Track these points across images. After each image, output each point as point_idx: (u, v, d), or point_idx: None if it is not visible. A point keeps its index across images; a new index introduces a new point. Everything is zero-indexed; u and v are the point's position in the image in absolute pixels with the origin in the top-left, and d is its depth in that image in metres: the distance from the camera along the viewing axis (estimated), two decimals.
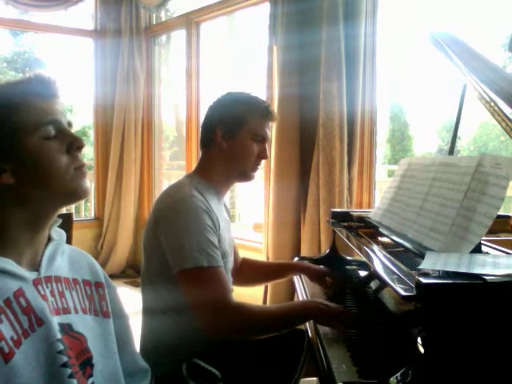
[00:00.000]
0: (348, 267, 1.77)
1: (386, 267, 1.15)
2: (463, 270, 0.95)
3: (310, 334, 1.38)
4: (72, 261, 0.98)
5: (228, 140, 1.50)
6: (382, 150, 11.76)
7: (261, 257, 3.17)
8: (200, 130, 1.61)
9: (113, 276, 4.27)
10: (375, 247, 1.37)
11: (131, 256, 4.65)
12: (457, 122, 1.76)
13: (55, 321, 0.85)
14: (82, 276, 0.98)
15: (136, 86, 4.46)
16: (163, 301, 1.44)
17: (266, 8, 3.19)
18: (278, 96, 2.97)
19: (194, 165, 1.63)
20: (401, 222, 1.45)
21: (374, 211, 1.73)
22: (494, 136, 11.58)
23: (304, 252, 2.85)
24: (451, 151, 1.74)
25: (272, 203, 3.04)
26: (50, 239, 0.93)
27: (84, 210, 6.56)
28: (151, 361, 1.13)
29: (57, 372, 0.81)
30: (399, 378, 0.90)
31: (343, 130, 2.70)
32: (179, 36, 5.01)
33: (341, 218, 1.90)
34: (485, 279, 0.91)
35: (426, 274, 0.96)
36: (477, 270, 0.95)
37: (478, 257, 1.06)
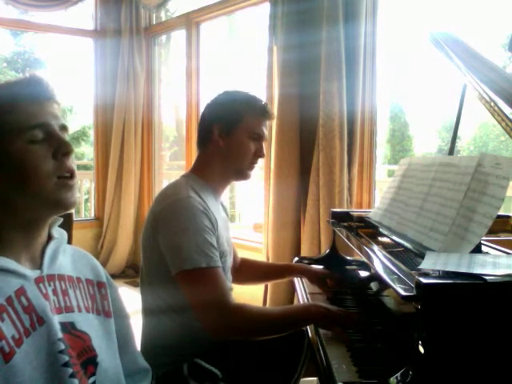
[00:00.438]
0: (348, 267, 1.78)
1: (385, 267, 1.15)
2: (463, 270, 0.95)
3: (310, 334, 1.38)
4: (74, 260, 0.98)
5: (225, 138, 1.51)
6: (382, 150, 11.77)
7: (261, 257, 3.17)
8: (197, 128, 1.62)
9: (113, 276, 4.22)
10: (375, 247, 1.37)
11: (131, 256, 4.65)
12: (457, 122, 1.76)
13: (56, 320, 0.85)
14: (84, 275, 0.98)
15: (136, 86, 4.46)
16: (163, 301, 1.44)
17: (265, 8, 3.19)
18: (277, 96, 2.97)
19: (192, 164, 1.63)
20: (401, 221, 1.45)
21: (374, 211, 1.73)
22: (494, 136, 11.59)
23: (304, 252, 2.85)
24: (451, 151, 1.74)
25: (272, 203, 3.04)
26: (51, 238, 0.92)
27: (84, 210, 6.56)
28: (152, 361, 1.13)
29: (58, 371, 0.81)
30: (399, 378, 0.90)
31: (343, 129, 2.70)
32: (179, 36, 5.01)
33: (341, 218, 1.90)
34: (485, 279, 0.91)
35: (426, 274, 0.96)
36: (477, 270, 0.95)
37: (478, 257, 1.06)
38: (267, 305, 3.04)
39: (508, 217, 1.70)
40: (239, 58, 9.35)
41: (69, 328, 0.87)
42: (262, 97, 3.04)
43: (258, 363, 1.42)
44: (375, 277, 1.37)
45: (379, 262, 1.22)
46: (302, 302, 1.70)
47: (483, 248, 1.23)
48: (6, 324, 0.77)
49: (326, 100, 2.71)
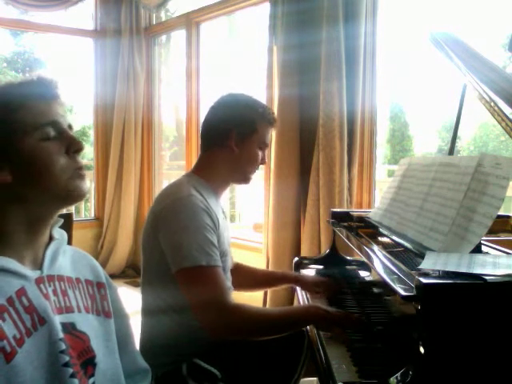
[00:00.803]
0: (348, 267, 1.78)
1: (386, 267, 1.15)
2: (463, 270, 0.95)
3: (310, 334, 1.38)
4: (74, 261, 0.98)
5: (239, 145, 1.51)
6: (382, 150, 11.77)
7: (261, 257, 3.17)
8: (201, 130, 1.60)
9: (113, 276, 4.28)
10: (375, 247, 1.37)
11: (131, 256, 4.65)
12: (457, 122, 1.76)
13: (57, 320, 0.85)
14: (84, 276, 0.98)
15: (136, 86, 4.46)
16: (163, 300, 1.44)
17: (266, 8, 3.19)
18: (277, 96, 2.97)
19: (194, 165, 1.63)
20: (401, 221, 1.45)
21: (374, 211, 1.73)
22: (494, 136, 11.59)
23: (304, 252, 2.85)
24: (451, 151, 1.74)
25: (272, 203, 3.04)
26: (51, 239, 0.93)
27: (84, 210, 6.56)
28: (151, 361, 1.13)
29: (58, 371, 0.81)
30: (399, 378, 0.90)
31: (343, 129, 2.70)
32: (179, 36, 5.01)
33: (341, 218, 1.90)
34: (485, 279, 0.91)
35: (426, 274, 0.96)
36: (477, 270, 0.95)
37: (478, 257, 1.06)
38: (267, 305, 3.04)
39: (508, 217, 1.70)
40: (239, 57, 9.36)
41: (69, 328, 0.87)
42: (263, 97, 3.07)
43: (258, 363, 1.42)
44: (374, 282, 1.37)
45: (379, 261, 1.22)
46: (302, 302, 1.69)
47: (483, 248, 1.23)
48: (8, 324, 0.77)
49: (326, 100, 2.71)
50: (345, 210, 2.34)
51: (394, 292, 0.99)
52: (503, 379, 0.90)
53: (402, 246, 1.33)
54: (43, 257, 0.89)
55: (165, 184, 4.75)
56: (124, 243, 4.55)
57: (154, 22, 4.64)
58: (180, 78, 4.59)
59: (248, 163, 1.54)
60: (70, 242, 1.00)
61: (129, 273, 4.58)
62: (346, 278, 1.73)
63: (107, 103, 4.52)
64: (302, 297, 1.71)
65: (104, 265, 4.41)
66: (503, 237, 1.57)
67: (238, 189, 6.32)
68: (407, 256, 1.26)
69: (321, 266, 1.95)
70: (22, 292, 0.82)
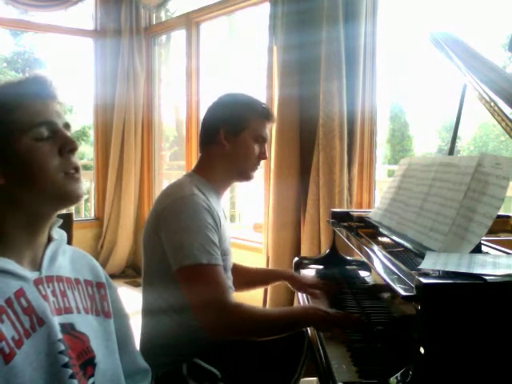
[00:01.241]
0: (348, 267, 1.78)
1: (386, 267, 1.15)
2: (463, 270, 0.95)
3: (309, 334, 1.38)
4: (73, 261, 0.98)
5: (231, 140, 1.51)
6: (382, 150, 11.77)
7: (261, 257, 3.17)
8: (200, 130, 1.62)
9: (113, 276, 4.28)
10: (375, 247, 1.37)
11: (131, 256, 4.65)
12: (457, 122, 1.76)
13: (56, 321, 0.85)
14: (83, 276, 0.98)
15: (136, 86, 4.46)
16: (163, 300, 1.44)
17: (266, 8, 3.19)
18: (277, 96, 2.97)
19: (194, 165, 1.63)
20: (401, 221, 1.45)
21: (374, 211, 1.73)
22: (494, 136, 11.59)
23: (304, 252, 2.85)
24: (451, 151, 1.74)
25: (272, 203, 3.04)
26: (50, 239, 0.92)
27: (84, 210, 6.56)
28: (151, 361, 1.13)
29: (58, 372, 0.81)
30: (399, 378, 0.90)
31: (343, 129, 2.70)
32: (179, 36, 5.01)
33: (341, 218, 1.90)
34: (485, 279, 0.91)
35: (426, 274, 0.96)
36: (477, 270, 0.95)
37: (478, 257, 1.06)
38: (267, 305, 3.04)
39: (508, 217, 1.70)
40: (239, 58, 9.36)
41: (68, 329, 0.87)
42: (262, 97, 3.07)
43: (258, 363, 1.42)
44: (373, 287, 1.37)
45: (379, 261, 1.22)
46: (302, 302, 1.69)
47: (483, 248, 1.23)
48: (6, 325, 0.77)
49: (326, 100, 2.71)
50: (345, 210, 2.34)
51: (394, 292, 0.99)
52: (503, 379, 0.90)
53: (402, 245, 1.33)
54: (42, 257, 0.89)
55: (165, 184, 4.75)
56: (124, 243, 4.55)
57: (154, 21, 4.64)
58: (180, 78, 4.59)
59: (243, 159, 1.54)
60: (69, 242, 1.00)
61: (129, 273, 4.58)
62: (346, 278, 1.73)
63: (107, 103, 4.52)
64: (302, 297, 1.71)
65: (104, 265, 4.41)
66: (503, 237, 1.57)
67: (238, 189, 6.32)
68: (407, 256, 1.26)
69: (321, 266, 1.95)
70: (20, 293, 0.81)
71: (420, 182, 1.46)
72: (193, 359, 1.38)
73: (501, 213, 1.40)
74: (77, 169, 0.88)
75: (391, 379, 0.91)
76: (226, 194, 1.65)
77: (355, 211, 2.00)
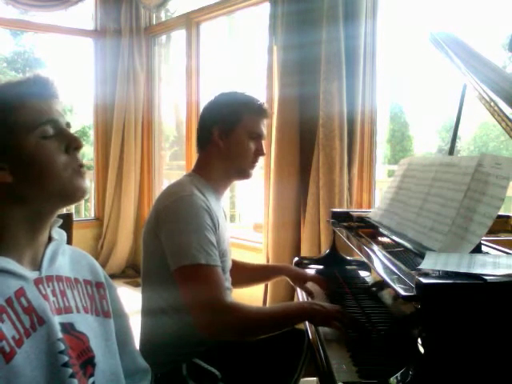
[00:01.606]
0: (348, 267, 1.77)
1: (386, 267, 1.15)
2: (463, 270, 0.95)
3: (309, 334, 1.38)
4: (73, 261, 0.98)
5: (225, 139, 1.52)
6: (382, 150, 11.77)
7: (261, 257, 3.17)
8: (196, 130, 1.62)
9: (113, 276, 4.27)
10: (375, 247, 1.37)
11: (131, 256, 4.65)
12: (457, 122, 1.76)
13: (56, 320, 0.85)
14: (82, 276, 0.98)
15: (136, 86, 4.46)
16: (163, 300, 1.44)
17: (266, 8, 3.19)
18: (277, 96, 2.97)
19: (194, 165, 1.64)
20: (401, 221, 1.45)
21: (374, 211, 1.73)
22: (494, 136, 11.58)
23: (304, 252, 2.85)
24: (451, 151, 1.74)
25: (272, 203, 3.04)
26: (50, 239, 0.93)
27: (84, 210, 6.56)
28: (151, 361, 1.13)
29: (58, 372, 0.81)
30: (399, 378, 0.90)
31: (343, 130, 2.70)
32: (179, 36, 5.01)
33: (341, 218, 1.90)
34: (485, 279, 0.91)
35: (426, 274, 0.96)
36: (477, 270, 0.95)
37: (478, 257, 1.06)
38: (267, 303, 3.04)
39: (508, 217, 1.70)
40: (239, 57, 9.35)
41: (68, 329, 0.87)
42: (262, 97, 3.07)
43: (258, 363, 1.42)
44: (372, 285, 1.37)
45: (379, 261, 1.22)
46: (301, 298, 1.69)
47: (483, 248, 1.23)
48: (6, 325, 0.77)
49: (326, 100, 2.71)
50: (345, 209, 2.34)
51: (395, 292, 0.99)
52: (503, 379, 0.90)
53: (402, 245, 1.33)
54: (42, 257, 0.89)
55: (165, 184, 4.75)
56: (124, 243, 4.55)
57: (154, 22, 4.64)
58: (180, 78, 4.58)
59: (239, 155, 1.53)
60: (69, 242, 1.00)
61: (129, 273, 4.58)
62: (345, 278, 1.73)
63: (107, 103, 4.53)
64: (301, 293, 1.71)
65: (104, 265, 4.41)
66: (503, 237, 1.57)
67: (238, 189, 6.32)
68: (407, 256, 1.26)
69: (321, 266, 1.95)
70: (21, 292, 0.82)
71: (420, 182, 1.45)
72: (192, 359, 1.38)
73: (501, 213, 1.40)
74: (81, 166, 0.90)
75: (391, 379, 0.91)
76: (226, 193, 1.65)
77: (355, 211, 2.00)
